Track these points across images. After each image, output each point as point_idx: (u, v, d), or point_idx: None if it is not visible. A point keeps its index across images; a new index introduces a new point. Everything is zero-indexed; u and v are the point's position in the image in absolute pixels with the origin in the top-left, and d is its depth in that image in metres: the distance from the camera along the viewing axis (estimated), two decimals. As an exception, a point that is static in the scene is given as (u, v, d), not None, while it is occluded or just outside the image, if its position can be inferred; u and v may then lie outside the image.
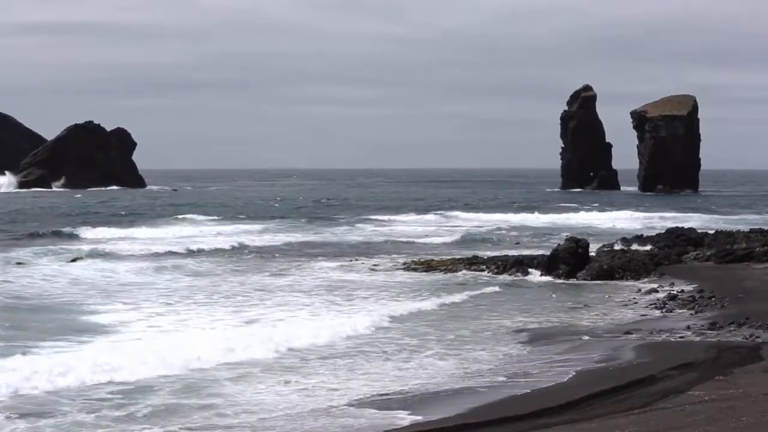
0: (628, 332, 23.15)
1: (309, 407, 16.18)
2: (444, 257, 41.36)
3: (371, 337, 23.06)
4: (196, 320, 25.23)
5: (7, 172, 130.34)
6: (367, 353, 20.95)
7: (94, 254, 42.84)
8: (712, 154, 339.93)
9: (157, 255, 43.45)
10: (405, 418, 15.29)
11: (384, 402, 16.46)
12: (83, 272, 35.95)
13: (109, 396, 16.99)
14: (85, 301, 28.65)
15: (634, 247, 42.60)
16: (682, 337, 22.26)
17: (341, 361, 20.17)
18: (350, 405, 16.28)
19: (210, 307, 27.56)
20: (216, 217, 71.25)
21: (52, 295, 30.08)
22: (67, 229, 56.76)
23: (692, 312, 26.28)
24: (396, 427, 14.70)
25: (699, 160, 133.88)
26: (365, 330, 23.67)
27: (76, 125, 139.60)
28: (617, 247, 42.86)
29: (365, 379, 18.46)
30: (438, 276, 36.22)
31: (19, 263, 38.42)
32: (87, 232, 55.68)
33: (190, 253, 44.50)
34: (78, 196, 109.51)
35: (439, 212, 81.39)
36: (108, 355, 19.27)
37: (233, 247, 47.50)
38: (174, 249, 45.90)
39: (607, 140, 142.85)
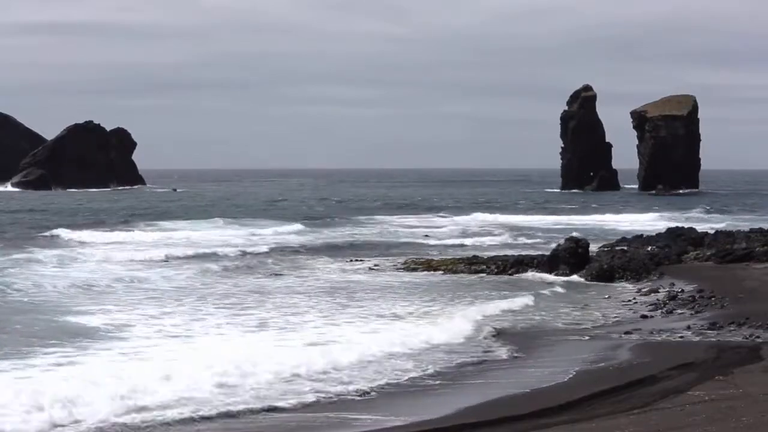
0: (628, 332, 23.13)
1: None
2: (445, 257, 41.35)
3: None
4: (197, 326, 24.69)
5: (9, 183, 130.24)
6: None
7: (92, 255, 42.78)
8: (712, 154, 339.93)
9: (157, 256, 43.19)
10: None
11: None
12: (82, 274, 35.83)
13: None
14: (82, 303, 28.30)
15: (634, 247, 42.59)
16: (682, 337, 22.25)
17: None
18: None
19: (208, 311, 26.99)
20: (216, 218, 71.07)
21: (50, 296, 29.78)
22: (65, 230, 56.67)
23: (692, 312, 26.25)
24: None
25: (699, 160, 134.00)
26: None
27: (76, 125, 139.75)
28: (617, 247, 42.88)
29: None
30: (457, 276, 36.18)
31: (17, 263, 38.43)
32: (85, 233, 55.54)
33: (191, 255, 44.28)
34: (77, 196, 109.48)
35: (442, 214, 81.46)
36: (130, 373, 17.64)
37: (233, 248, 47.36)
38: (174, 250, 45.78)
39: (607, 140, 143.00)
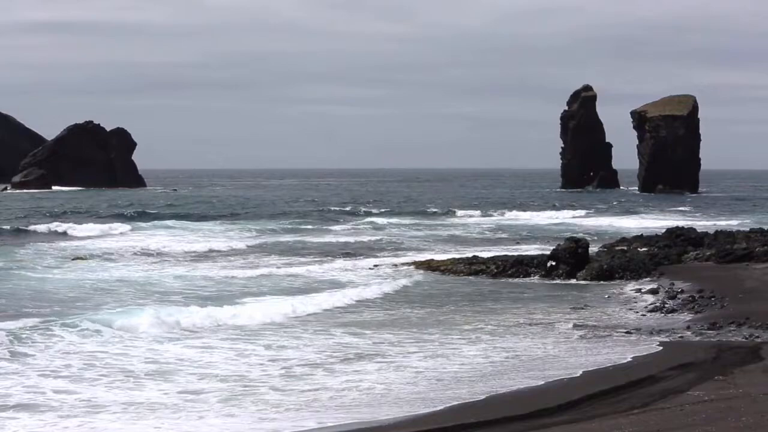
0: (628, 332, 23.14)
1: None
2: (444, 257, 41.30)
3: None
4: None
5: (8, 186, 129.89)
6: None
7: (92, 255, 42.77)
8: (712, 154, 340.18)
9: (158, 257, 43.32)
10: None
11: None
12: (81, 274, 35.77)
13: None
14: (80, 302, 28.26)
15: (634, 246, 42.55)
16: (682, 337, 22.26)
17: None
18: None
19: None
20: (215, 219, 71.01)
21: (49, 296, 29.67)
22: (65, 230, 56.70)
23: (692, 312, 26.26)
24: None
25: (699, 160, 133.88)
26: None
27: (76, 125, 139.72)
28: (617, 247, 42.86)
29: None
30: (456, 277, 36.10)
31: (19, 263, 38.46)
32: (83, 234, 55.60)
33: (191, 256, 44.21)
34: (77, 196, 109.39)
35: (440, 214, 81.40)
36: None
37: (233, 250, 47.33)
38: (172, 252, 45.70)
39: (607, 140, 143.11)
